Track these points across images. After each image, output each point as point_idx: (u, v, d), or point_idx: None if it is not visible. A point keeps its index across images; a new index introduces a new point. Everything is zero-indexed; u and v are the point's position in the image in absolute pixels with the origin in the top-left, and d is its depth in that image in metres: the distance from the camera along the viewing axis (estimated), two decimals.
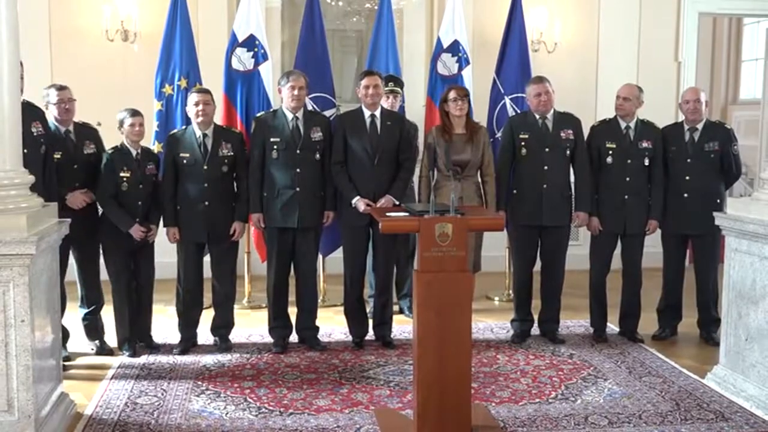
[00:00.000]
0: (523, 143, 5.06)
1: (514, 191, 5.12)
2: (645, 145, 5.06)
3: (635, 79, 7.55)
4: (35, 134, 4.33)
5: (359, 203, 4.79)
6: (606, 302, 5.27)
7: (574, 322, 5.63)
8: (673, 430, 3.79)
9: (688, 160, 5.08)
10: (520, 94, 6.00)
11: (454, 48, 6.23)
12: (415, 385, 3.54)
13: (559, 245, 5.15)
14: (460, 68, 6.23)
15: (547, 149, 5.03)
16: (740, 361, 4.23)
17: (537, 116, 5.08)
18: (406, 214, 3.76)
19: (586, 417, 3.93)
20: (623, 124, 5.10)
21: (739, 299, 4.25)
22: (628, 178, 5.04)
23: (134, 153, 4.74)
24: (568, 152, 5.07)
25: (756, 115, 10.05)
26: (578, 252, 5.80)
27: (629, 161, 5.04)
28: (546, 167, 5.02)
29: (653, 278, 5.45)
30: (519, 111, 5.91)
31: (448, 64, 6.23)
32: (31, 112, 4.31)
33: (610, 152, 5.06)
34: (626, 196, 5.05)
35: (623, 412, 3.99)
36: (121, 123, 4.74)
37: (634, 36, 7.62)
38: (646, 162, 5.07)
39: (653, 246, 5.41)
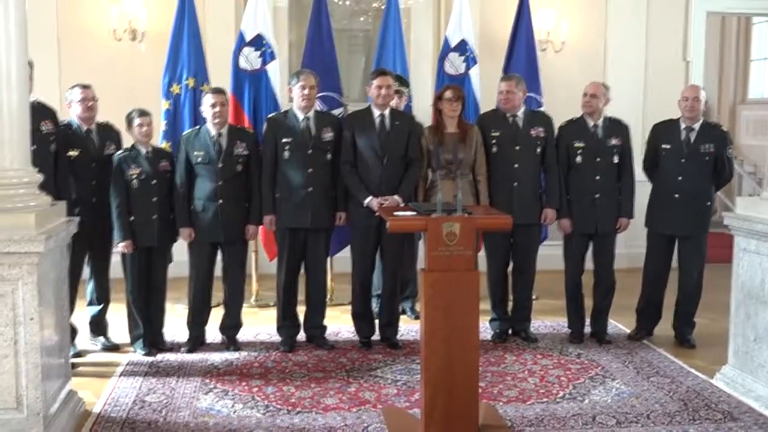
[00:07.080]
0: (494, 141, 5.03)
1: None
2: (614, 142, 5.02)
3: (643, 79, 7.57)
4: (44, 132, 4.37)
5: (372, 203, 4.78)
6: (583, 303, 5.23)
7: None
8: (681, 430, 3.78)
9: (683, 161, 5.00)
10: (528, 94, 5.97)
11: (462, 47, 6.22)
12: (423, 384, 3.54)
13: (530, 243, 5.14)
14: (468, 68, 6.23)
15: (517, 147, 5.01)
16: (749, 362, 4.21)
17: (507, 114, 5.07)
18: (414, 213, 3.76)
19: (593, 417, 3.93)
20: (591, 123, 5.04)
21: (747, 299, 4.24)
22: (597, 177, 5.00)
23: (144, 151, 4.75)
24: (538, 150, 5.05)
25: (764, 115, 10.04)
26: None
27: (598, 159, 4.99)
28: (516, 165, 4.99)
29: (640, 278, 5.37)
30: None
31: (455, 64, 6.23)
32: (41, 112, 4.39)
33: (579, 151, 5.01)
34: (596, 195, 5.00)
35: (631, 412, 3.98)
36: (130, 123, 4.76)
37: (642, 35, 7.58)
38: (615, 160, 5.03)
39: (643, 246, 5.32)
